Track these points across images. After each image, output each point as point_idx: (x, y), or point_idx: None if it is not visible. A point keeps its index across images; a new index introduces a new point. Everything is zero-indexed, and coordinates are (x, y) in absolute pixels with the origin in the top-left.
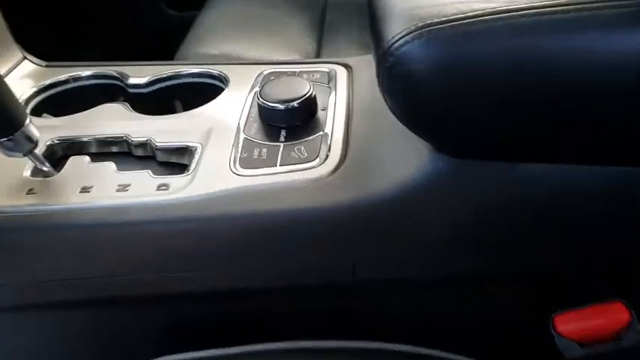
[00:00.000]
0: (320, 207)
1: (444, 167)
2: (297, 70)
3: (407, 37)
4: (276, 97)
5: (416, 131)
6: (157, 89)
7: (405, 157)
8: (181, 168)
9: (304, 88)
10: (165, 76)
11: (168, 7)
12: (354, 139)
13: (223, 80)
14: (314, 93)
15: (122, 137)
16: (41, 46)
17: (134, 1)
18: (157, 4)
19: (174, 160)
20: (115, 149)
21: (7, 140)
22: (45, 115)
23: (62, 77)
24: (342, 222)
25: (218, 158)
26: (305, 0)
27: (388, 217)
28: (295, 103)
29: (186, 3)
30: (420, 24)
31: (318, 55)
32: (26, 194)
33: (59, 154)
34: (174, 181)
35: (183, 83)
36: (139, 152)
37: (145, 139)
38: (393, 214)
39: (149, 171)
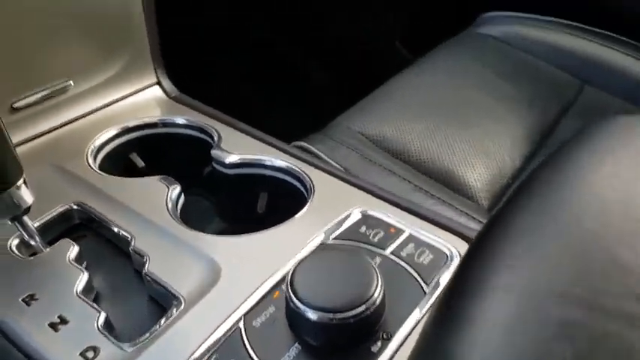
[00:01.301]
0: None
1: None
2: (404, 230)
3: None
4: (308, 292)
5: None
6: (240, 175)
7: None
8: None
9: (362, 293)
10: (252, 160)
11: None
12: None
13: (309, 189)
14: (373, 309)
15: (127, 238)
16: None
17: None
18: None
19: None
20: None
21: None
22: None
23: (154, 119)
24: None
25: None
26: (543, 88)
27: None
28: (335, 316)
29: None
30: None
31: (514, 177)
32: None
33: (73, 223)
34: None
35: (269, 176)
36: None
37: (144, 256)
38: None
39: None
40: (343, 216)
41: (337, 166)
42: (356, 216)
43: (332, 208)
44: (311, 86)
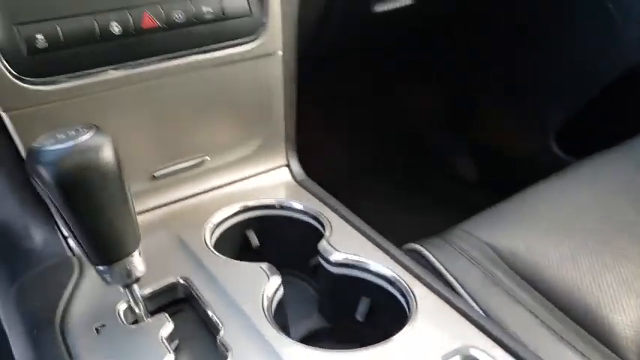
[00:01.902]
0: None
1: None
2: None
3: None
4: None
5: None
6: (343, 275)
7: None
8: None
9: None
10: (357, 262)
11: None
12: None
13: (411, 307)
14: None
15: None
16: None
17: None
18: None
19: None
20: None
21: (105, 267)
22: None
23: (273, 201)
24: None
25: None
26: None
27: None
28: None
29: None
30: None
31: None
32: (95, 328)
33: (176, 297)
34: None
35: (372, 282)
36: None
37: (228, 350)
38: None
39: None
40: (441, 354)
41: (452, 279)
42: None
43: (433, 339)
44: (445, 181)
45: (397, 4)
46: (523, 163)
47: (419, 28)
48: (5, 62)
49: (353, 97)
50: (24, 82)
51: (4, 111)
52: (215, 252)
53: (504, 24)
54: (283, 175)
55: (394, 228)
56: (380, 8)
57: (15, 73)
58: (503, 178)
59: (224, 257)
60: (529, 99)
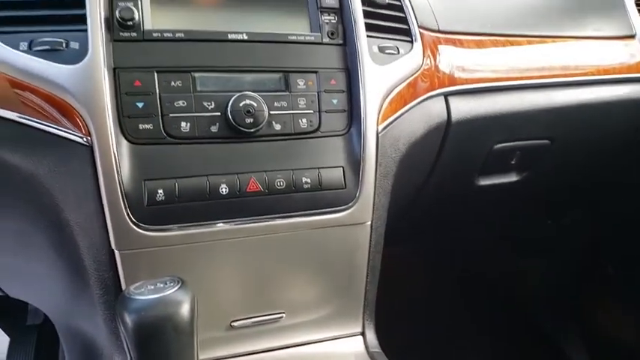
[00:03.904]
0: None
1: None
2: None
3: None
4: None
5: None
6: None
7: None
8: None
9: None
10: None
11: None
12: None
13: None
14: None
15: None
16: None
17: None
18: None
19: None
20: None
21: None
22: None
23: None
24: None
25: None
26: None
27: None
28: None
29: None
30: None
31: None
32: None
33: None
34: None
35: None
36: None
37: None
38: None
39: None
40: None
41: None
42: None
43: None
44: None
45: (502, 180)
46: None
47: (521, 204)
48: (128, 210)
49: (440, 266)
50: (139, 228)
51: (117, 249)
52: None
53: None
54: (357, 344)
55: None
56: (484, 182)
57: (134, 220)
58: None
59: None
60: None
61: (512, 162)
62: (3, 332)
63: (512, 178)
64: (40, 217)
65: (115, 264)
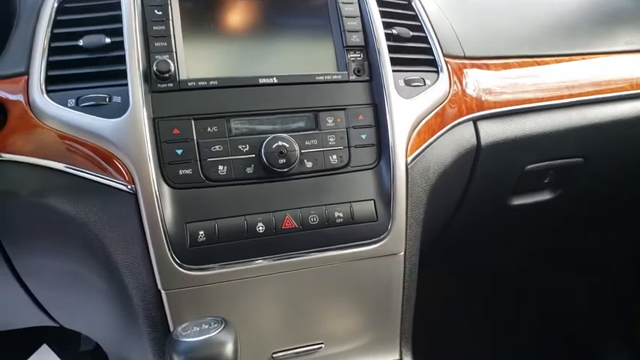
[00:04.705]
0: None
1: None
2: None
3: None
4: None
5: None
6: None
7: None
8: None
9: None
10: None
11: None
12: None
13: None
14: None
15: None
16: None
17: None
18: None
19: None
20: None
21: None
22: None
23: None
24: None
25: None
26: None
27: None
28: None
29: None
30: None
31: None
32: None
33: None
34: None
35: None
36: None
37: None
38: None
39: None
40: None
41: None
42: None
43: None
44: None
45: (537, 199)
46: None
47: (557, 220)
48: (172, 252)
49: (475, 287)
50: (183, 269)
51: (163, 289)
52: None
53: None
54: None
55: None
56: (517, 202)
57: (178, 261)
58: None
59: None
60: None
61: (546, 181)
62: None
63: (547, 196)
64: (91, 260)
65: (162, 303)
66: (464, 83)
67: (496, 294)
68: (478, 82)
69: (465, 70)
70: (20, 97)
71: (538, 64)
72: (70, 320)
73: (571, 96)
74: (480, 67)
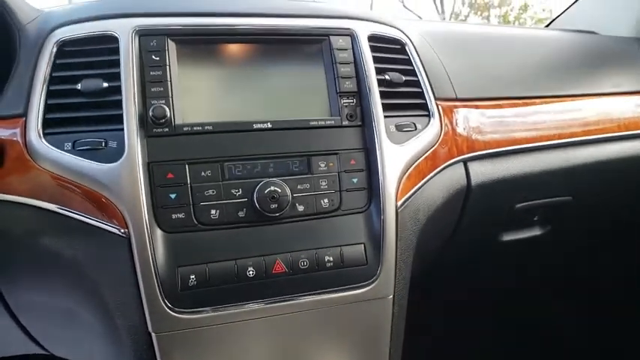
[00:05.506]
0: None
1: None
2: None
3: None
4: None
5: None
6: None
7: None
8: None
9: None
10: None
11: None
12: None
13: None
14: None
15: None
16: None
17: None
18: None
19: None
20: None
21: None
22: None
23: None
24: None
25: None
26: None
27: None
28: None
29: None
30: None
31: None
32: None
33: None
34: None
35: None
36: None
37: None
38: None
39: None
40: None
41: None
42: None
43: None
44: None
45: (527, 234)
46: None
47: (549, 253)
48: (163, 295)
49: (468, 317)
50: (174, 312)
51: (154, 332)
52: None
53: None
54: None
55: None
56: (508, 237)
57: (169, 304)
58: None
59: None
60: None
61: (535, 219)
62: None
63: (537, 232)
64: (84, 299)
65: (152, 345)
66: (454, 122)
67: (483, 324)
68: (468, 120)
69: (455, 110)
70: (18, 139)
71: (528, 105)
72: (60, 349)
73: (560, 137)
74: (470, 107)
